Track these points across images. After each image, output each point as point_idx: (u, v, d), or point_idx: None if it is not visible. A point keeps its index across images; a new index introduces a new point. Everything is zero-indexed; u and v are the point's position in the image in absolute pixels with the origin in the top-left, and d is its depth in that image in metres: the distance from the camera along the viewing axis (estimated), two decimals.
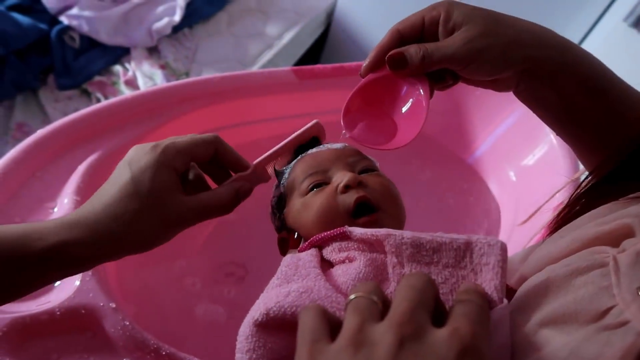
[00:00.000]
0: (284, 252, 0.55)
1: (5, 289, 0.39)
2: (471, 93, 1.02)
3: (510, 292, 0.38)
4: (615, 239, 0.32)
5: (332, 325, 0.28)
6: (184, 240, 0.94)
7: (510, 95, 0.99)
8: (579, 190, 0.43)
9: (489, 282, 0.34)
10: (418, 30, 0.46)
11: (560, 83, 0.45)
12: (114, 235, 0.41)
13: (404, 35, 0.46)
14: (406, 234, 0.39)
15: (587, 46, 1.57)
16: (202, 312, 0.88)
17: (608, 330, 0.27)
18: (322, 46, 2.20)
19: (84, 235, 0.40)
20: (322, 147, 0.56)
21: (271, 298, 0.37)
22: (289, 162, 0.56)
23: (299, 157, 0.56)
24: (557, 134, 0.51)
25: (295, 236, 0.52)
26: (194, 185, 0.49)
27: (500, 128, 0.99)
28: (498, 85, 0.48)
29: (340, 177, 0.50)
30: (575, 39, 1.58)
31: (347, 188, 0.49)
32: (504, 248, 0.35)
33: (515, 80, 0.46)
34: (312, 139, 0.56)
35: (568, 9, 1.54)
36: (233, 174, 0.51)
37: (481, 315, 0.28)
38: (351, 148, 0.56)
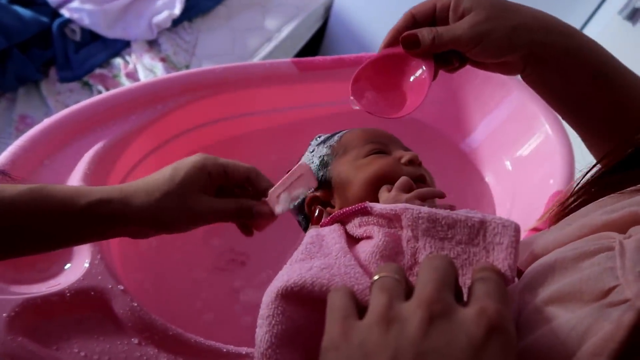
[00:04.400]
0: (309, 209, 0.60)
1: (55, 238, 0.47)
2: (469, 82, 1.03)
3: (517, 272, 0.38)
4: (622, 226, 0.33)
5: (358, 307, 0.29)
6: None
7: (506, 85, 1.01)
8: (584, 180, 0.44)
9: (502, 261, 0.35)
10: (430, 15, 0.50)
11: (564, 67, 0.48)
12: (143, 206, 0.48)
13: (417, 19, 0.51)
14: (423, 209, 0.41)
15: None
16: (206, 296, 0.90)
17: (610, 307, 0.28)
18: (321, 39, 2.21)
19: (119, 197, 0.48)
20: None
21: (294, 271, 0.40)
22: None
23: (350, 129, 0.64)
24: (565, 121, 0.54)
25: (317, 213, 0.56)
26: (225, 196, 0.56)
27: (496, 118, 1.01)
28: (506, 69, 0.51)
29: (405, 153, 0.58)
30: None
31: (410, 163, 0.57)
32: (517, 229, 0.36)
33: (522, 64, 0.49)
34: None
35: (564, 3, 1.55)
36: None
37: (502, 294, 0.28)
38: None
